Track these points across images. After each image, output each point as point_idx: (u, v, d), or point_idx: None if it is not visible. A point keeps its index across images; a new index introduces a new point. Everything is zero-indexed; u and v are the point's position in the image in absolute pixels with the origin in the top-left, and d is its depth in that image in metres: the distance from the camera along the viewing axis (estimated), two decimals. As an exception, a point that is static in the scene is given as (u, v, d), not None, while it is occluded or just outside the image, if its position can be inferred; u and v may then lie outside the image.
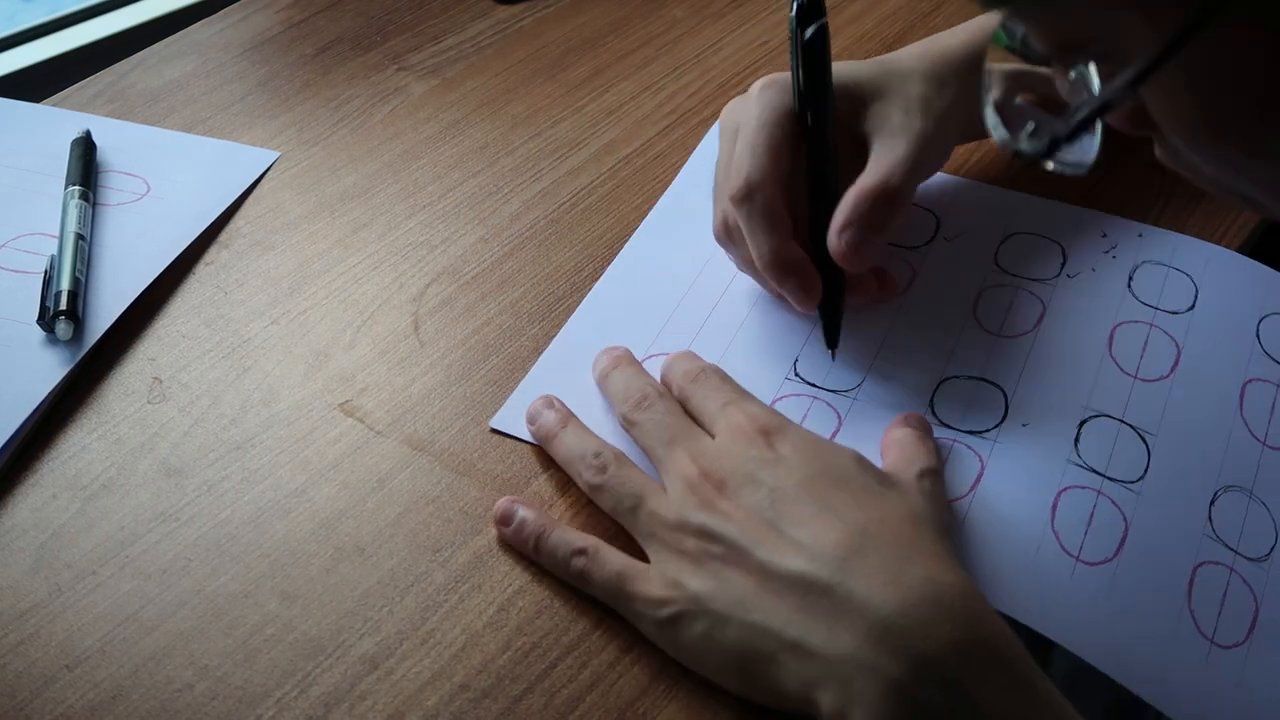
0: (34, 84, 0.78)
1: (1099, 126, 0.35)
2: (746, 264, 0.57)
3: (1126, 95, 0.33)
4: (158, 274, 0.61)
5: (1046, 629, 0.45)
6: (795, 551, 0.43)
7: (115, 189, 0.66)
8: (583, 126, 0.71)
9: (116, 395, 0.56)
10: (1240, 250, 0.61)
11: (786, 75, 0.56)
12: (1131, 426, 0.52)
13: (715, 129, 0.63)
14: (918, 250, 0.61)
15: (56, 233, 0.61)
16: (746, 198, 0.54)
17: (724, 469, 0.47)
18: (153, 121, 0.71)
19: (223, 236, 0.64)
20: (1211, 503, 0.50)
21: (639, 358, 0.56)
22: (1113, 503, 0.49)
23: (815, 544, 0.43)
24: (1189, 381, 0.54)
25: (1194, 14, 0.30)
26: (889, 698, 0.40)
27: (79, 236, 0.61)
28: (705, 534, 0.45)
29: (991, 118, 0.38)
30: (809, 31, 0.54)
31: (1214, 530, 0.49)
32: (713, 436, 0.50)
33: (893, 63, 0.58)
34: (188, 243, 0.63)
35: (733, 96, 0.59)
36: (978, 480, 0.51)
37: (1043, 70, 0.38)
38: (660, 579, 0.45)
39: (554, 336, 0.58)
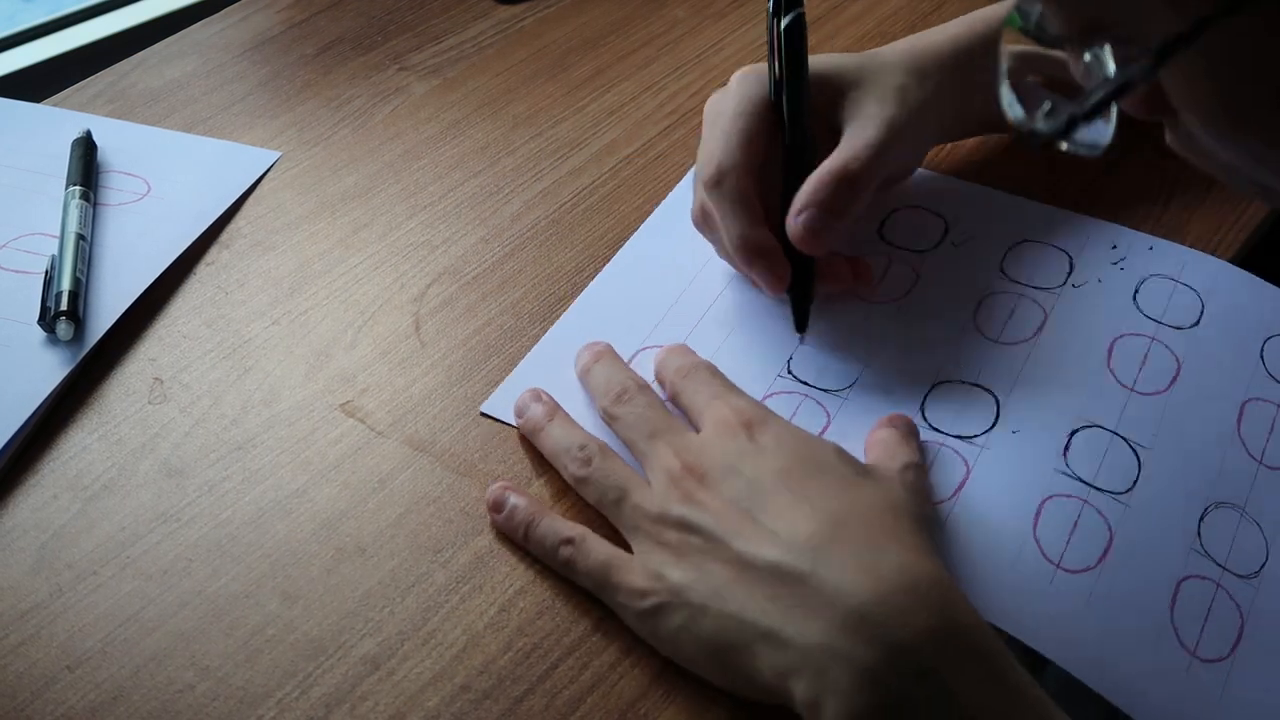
0: (34, 84, 0.78)
1: (1115, 109, 0.35)
2: (722, 250, 0.58)
3: (1146, 77, 0.32)
4: (158, 274, 0.61)
5: (1022, 634, 0.45)
6: (770, 541, 0.43)
7: (116, 189, 0.66)
8: (584, 126, 0.71)
9: (117, 395, 0.56)
10: (1236, 254, 0.61)
11: (764, 65, 0.57)
12: (1124, 438, 0.52)
13: None
14: (923, 254, 0.61)
15: (57, 233, 0.61)
16: (717, 183, 0.54)
17: (705, 462, 0.47)
18: (153, 121, 0.71)
19: (223, 237, 0.64)
20: (1201, 518, 0.49)
21: (634, 350, 0.56)
22: (1099, 512, 0.49)
23: (790, 533, 0.43)
24: (1187, 397, 0.54)
25: (1221, 1, 0.30)
26: (863, 687, 0.39)
27: (80, 237, 0.60)
28: (685, 526, 0.45)
29: (1007, 96, 0.38)
30: (785, 21, 0.55)
31: (1202, 545, 0.48)
32: (698, 430, 0.50)
33: (875, 56, 0.59)
34: (188, 243, 0.63)
35: (734, 96, 0.59)
36: (962, 485, 0.50)
37: (1056, 53, 0.37)
38: (643, 570, 0.46)
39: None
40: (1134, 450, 0.51)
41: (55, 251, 0.60)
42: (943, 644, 0.40)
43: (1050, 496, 0.50)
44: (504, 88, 0.74)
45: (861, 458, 0.50)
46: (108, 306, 0.59)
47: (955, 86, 0.59)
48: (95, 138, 0.67)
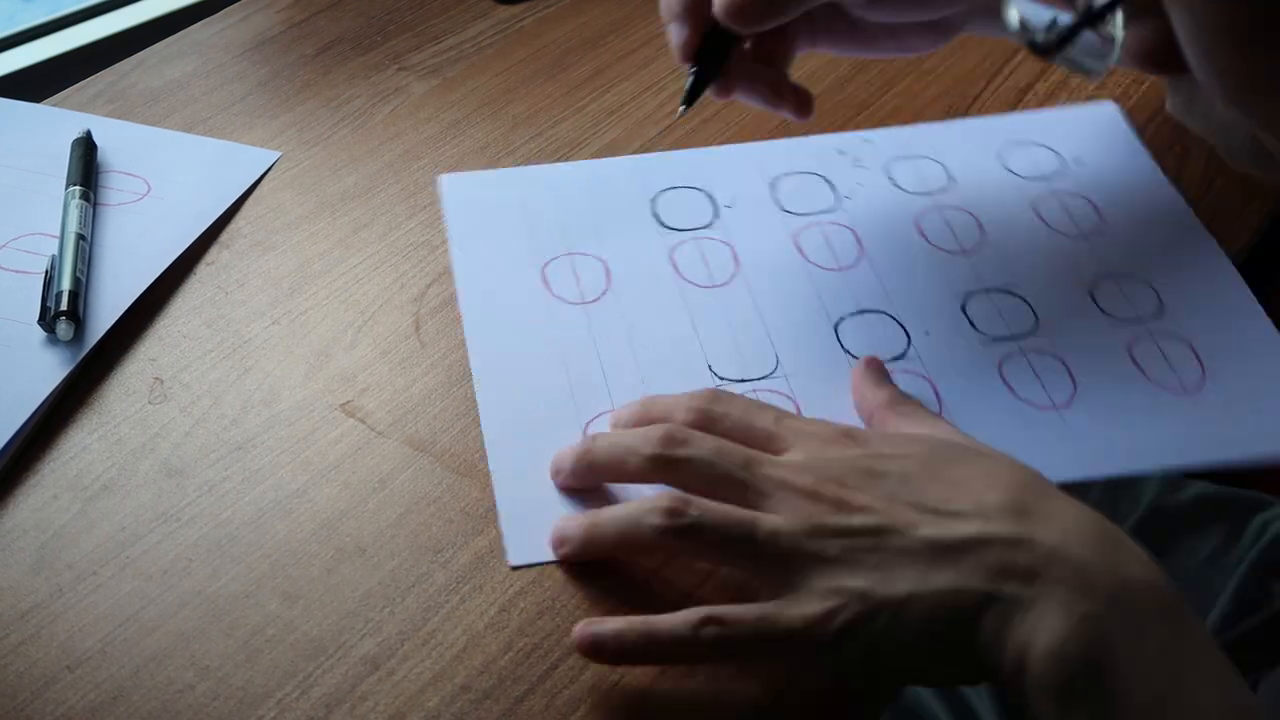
0: (34, 84, 0.77)
1: (1118, 40, 0.35)
2: None
3: None
4: (158, 274, 0.61)
5: None
6: (961, 520, 0.43)
7: (116, 189, 0.66)
8: (584, 126, 0.71)
9: (117, 395, 0.56)
10: (1235, 257, 0.61)
11: None
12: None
13: None
14: (709, 226, 0.64)
15: (57, 233, 0.61)
16: None
17: (834, 472, 0.45)
18: (153, 121, 0.71)
19: (223, 237, 0.64)
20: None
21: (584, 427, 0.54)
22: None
23: (979, 507, 0.44)
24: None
25: None
26: (1080, 627, 0.40)
27: (80, 237, 0.60)
28: (849, 532, 0.44)
29: (1011, 8, 0.38)
30: None
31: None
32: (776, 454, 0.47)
33: None
34: (188, 243, 0.63)
35: (734, 96, 0.59)
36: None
37: None
38: (811, 596, 0.43)
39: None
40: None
41: (55, 251, 0.60)
42: (1145, 592, 0.41)
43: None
44: (504, 88, 0.74)
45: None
46: (108, 306, 0.59)
47: None
48: (95, 138, 0.67)
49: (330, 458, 0.53)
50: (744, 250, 0.62)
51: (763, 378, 0.56)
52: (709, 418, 0.49)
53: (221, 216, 0.65)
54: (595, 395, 0.55)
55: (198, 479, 0.52)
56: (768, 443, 0.48)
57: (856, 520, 0.44)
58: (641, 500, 0.46)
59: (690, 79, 0.55)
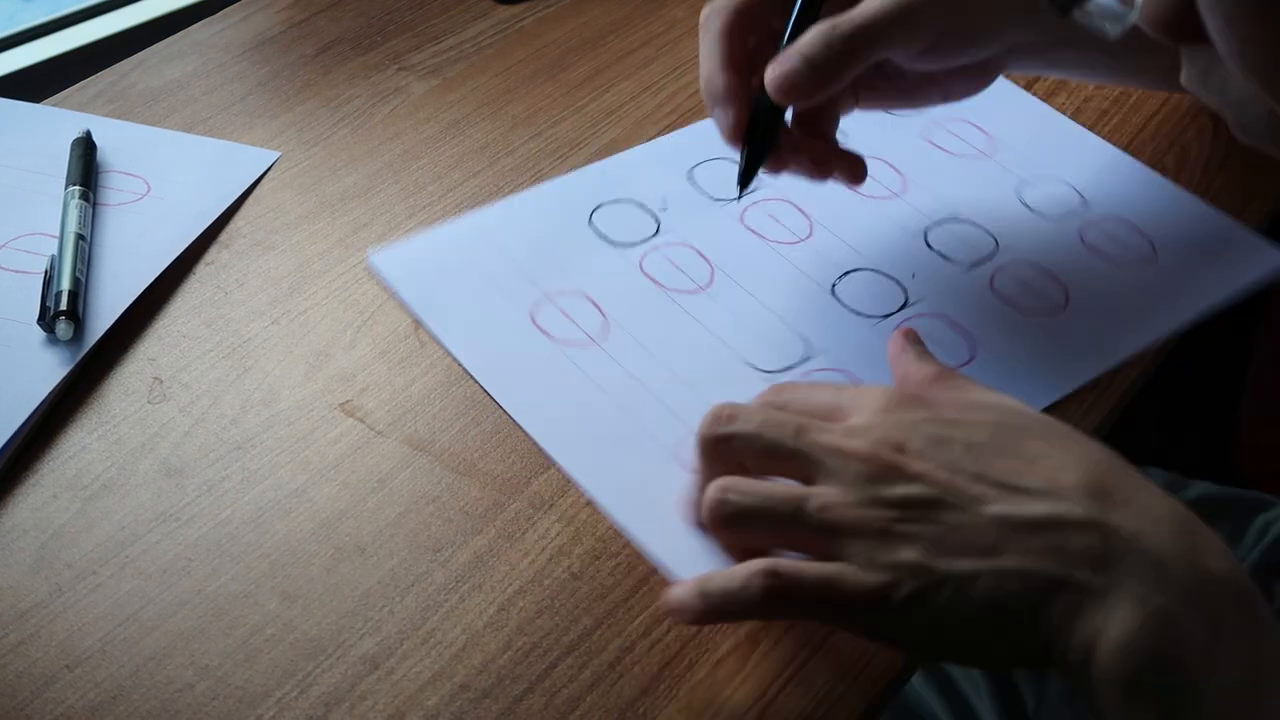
0: (34, 84, 0.77)
1: (1137, 2, 0.35)
2: None
3: None
4: (158, 274, 0.61)
5: None
6: (1032, 497, 0.42)
7: (115, 189, 0.66)
8: (583, 126, 0.71)
9: (117, 395, 0.56)
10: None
11: None
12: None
13: None
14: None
15: (57, 233, 0.61)
16: (706, 20, 0.54)
17: (895, 437, 0.43)
18: (153, 121, 0.71)
19: (223, 236, 0.64)
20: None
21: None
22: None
23: (1052, 485, 0.42)
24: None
25: None
26: (1152, 622, 0.39)
27: (79, 236, 0.61)
28: (911, 502, 0.42)
29: None
30: None
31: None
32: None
33: None
34: (188, 243, 0.63)
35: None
36: None
37: None
38: (872, 567, 0.41)
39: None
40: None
41: (55, 251, 0.60)
42: (1225, 591, 0.40)
43: None
44: (503, 88, 0.74)
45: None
46: (107, 306, 0.59)
47: None
48: (95, 138, 0.67)
49: (329, 457, 0.53)
50: (704, 247, 0.62)
51: (804, 360, 0.57)
52: (775, 407, 0.48)
53: (221, 216, 0.65)
54: (663, 422, 0.54)
55: (197, 478, 0.52)
56: (831, 415, 0.46)
57: (914, 489, 0.42)
58: (703, 487, 0.46)
59: (743, 161, 0.55)
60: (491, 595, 0.48)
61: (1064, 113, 0.71)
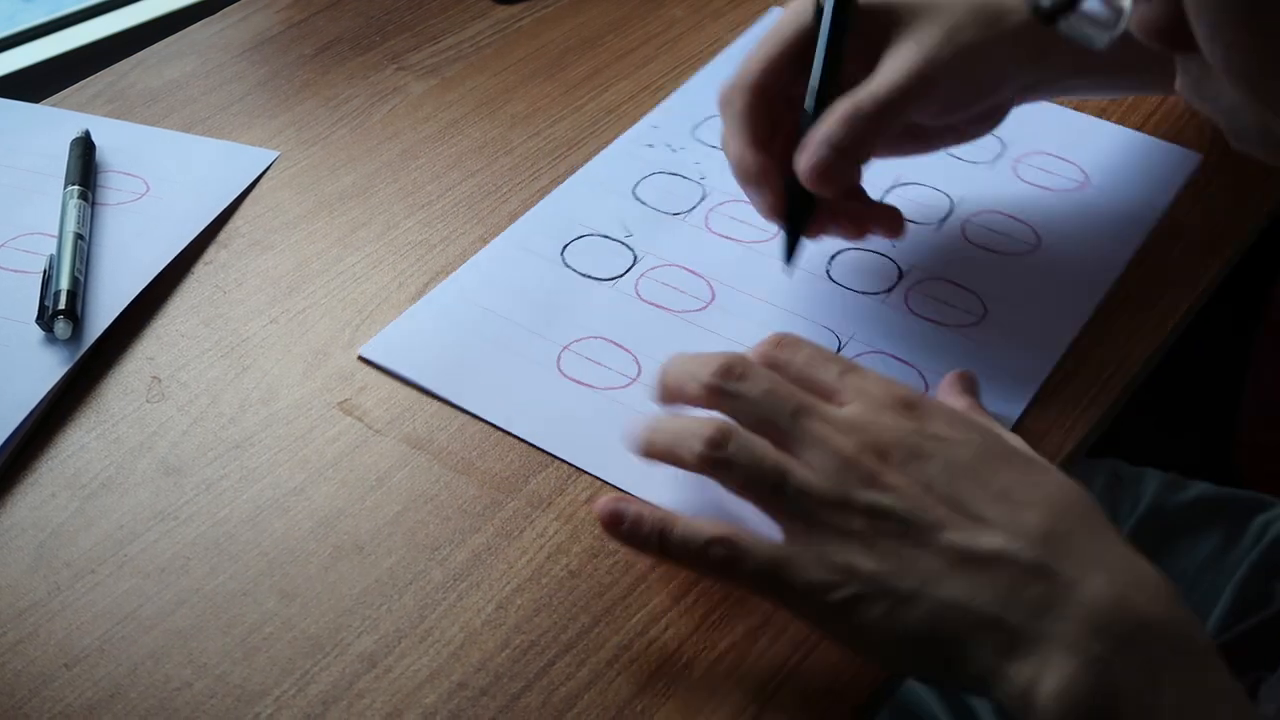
0: (34, 84, 0.78)
1: (1125, 10, 0.35)
2: None
3: None
4: (157, 273, 0.61)
5: None
6: (989, 530, 0.42)
7: (114, 189, 0.66)
8: (582, 126, 0.71)
9: (115, 394, 0.56)
10: (1233, 258, 0.61)
11: None
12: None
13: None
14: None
15: (56, 232, 0.61)
16: (727, 102, 0.55)
17: (884, 440, 0.44)
18: (152, 121, 0.71)
19: (222, 236, 0.64)
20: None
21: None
22: None
23: (1013, 523, 0.42)
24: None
25: None
26: (1088, 674, 0.39)
27: (78, 236, 0.61)
28: (878, 512, 0.43)
29: None
30: None
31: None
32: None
33: None
34: (187, 242, 0.63)
35: (731, 95, 0.59)
36: None
37: None
38: (822, 562, 0.43)
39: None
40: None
41: (54, 251, 0.60)
42: (1164, 638, 0.40)
43: None
44: (502, 87, 0.74)
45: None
46: (106, 305, 0.59)
47: (1031, 37, 0.54)
48: (94, 138, 0.67)
49: (328, 456, 0.53)
50: (691, 263, 0.61)
51: (840, 350, 0.57)
52: (773, 363, 0.48)
53: (220, 216, 0.65)
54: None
55: (195, 477, 0.52)
56: (828, 395, 0.47)
57: (884, 500, 0.43)
58: (691, 421, 0.46)
59: (785, 238, 0.56)
60: (489, 593, 0.48)
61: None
